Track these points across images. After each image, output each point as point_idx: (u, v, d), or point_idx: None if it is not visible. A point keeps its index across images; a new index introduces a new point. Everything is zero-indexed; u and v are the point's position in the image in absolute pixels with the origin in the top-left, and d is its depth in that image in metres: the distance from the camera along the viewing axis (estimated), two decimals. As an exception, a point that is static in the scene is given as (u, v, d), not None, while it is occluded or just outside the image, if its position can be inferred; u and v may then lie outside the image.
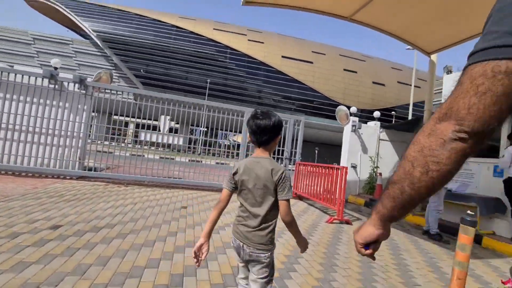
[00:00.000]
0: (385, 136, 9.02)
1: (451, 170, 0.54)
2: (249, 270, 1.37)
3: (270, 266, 1.32)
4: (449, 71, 9.49)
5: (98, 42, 41.76)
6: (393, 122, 30.38)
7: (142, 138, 7.39)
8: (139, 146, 7.36)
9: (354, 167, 8.50)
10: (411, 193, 0.59)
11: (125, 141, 7.53)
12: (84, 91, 6.46)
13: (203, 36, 44.84)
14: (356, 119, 8.62)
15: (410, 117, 21.63)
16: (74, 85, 6.41)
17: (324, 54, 48.30)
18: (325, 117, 39.32)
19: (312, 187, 6.35)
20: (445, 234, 4.60)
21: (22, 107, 6.11)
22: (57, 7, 43.62)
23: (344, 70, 47.64)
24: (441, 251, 3.87)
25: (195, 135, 28.59)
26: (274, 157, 7.50)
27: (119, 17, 44.22)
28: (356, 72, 48.04)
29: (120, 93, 6.95)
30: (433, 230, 4.41)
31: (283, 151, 7.58)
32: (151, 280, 2.10)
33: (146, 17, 45.07)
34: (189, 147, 7.96)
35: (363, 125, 8.74)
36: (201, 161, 8.90)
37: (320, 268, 2.75)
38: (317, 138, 37.37)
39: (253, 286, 1.32)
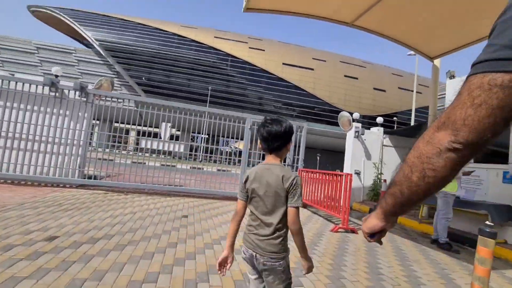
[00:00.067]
0: (389, 142, 8.91)
1: (446, 177, 0.57)
2: (261, 282, 1.34)
3: (286, 271, 1.30)
4: (452, 76, 9.40)
5: (101, 51, 42.26)
6: (395, 128, 30.25)
7: (143, 145, 7.31)
8: (140, 154, 7.27)
9: (357, 173, 8.37)
10: (410, 195, 0.63)
11: (126, 149, 7.45)
12: (85, 99, 6.42)
13: (205, 44, 45.31)
14: (359, 125, 8.53)
15: (412, 123, 21.50)
16: (75, 93, 6.38)
17: (325, 61, 48.58)
18: (326, 123, 39.30)
19: (316, 194, 6.22)
20: (454, 243, 4.44)
21: (22, 115, 6.06)
22: (61, 17, 44.34)
23: (345, 76, 47.83)
24: (452, 262, 3.71)
25: (197, 142, 28.55)
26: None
27: (122, 26, 44.85)
28: (357, 78, 48.20)
29: (121, 100, 6.91)
30: (442, 239, 4.26)
31: (285, 158, 7.46)
32: (149, 296, 1.98)
33: (148, 26, 45.68)
34: (190, 154, 7.87)
35: (366, 131, 8.64)
36: (203, 168, 8.80)
37: (327, 281, 2.61)
38: (318, 144, 37.23)
39: None
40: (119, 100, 6.81)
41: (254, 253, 1.28)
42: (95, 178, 6.55)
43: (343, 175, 5.12)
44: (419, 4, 5.35)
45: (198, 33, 46.50)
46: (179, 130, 8.17)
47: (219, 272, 1.35)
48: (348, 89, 47.18)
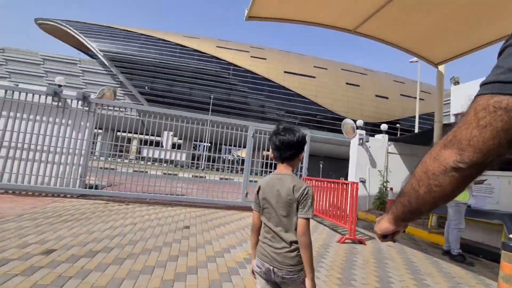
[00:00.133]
0: (394, 149, 8.77)
1: (452, 193, 0.58)
2: None
3: (305, 281, 1.26)
4: (456, 82, 9.34)
5: (105, 61, 42.91)
6: (398, 135, 30.05)
7: (145, 154, 7.24)
8: (142, 163, 7.20)
9: (363, 181, 8.21)
10: (417, 206, 0.65)
11: (128, 158, 7.39)
12: (87, 108, 6.41)
13: (207, 54, 45.85)
14: (363, 132, 8.42)
15: (416, 130, 21.33)
16: (78, 102, 6.37)
17: (326, 69, 48.85)
18: (328, 130, 39.18)
19: (320, 204, 6.07)
20: (467, 255, 4.26)
21: (25, 125, 6.04)
22: (67, 29, 45.26)
23: (347, 84, 47.96)
24: (467, 275, 3.53)
25: (199, 150, 28.52)
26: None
27: (125, 37, 45.63)
28: (358, 85, 48.31)
29: (123, 109, 6.89)
30: (455, 251, 4.08)
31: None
32: (148, 316, 1.86)
33: (151, 36, 46.42)
34: (192, 163, 7.79)
35: (370, 138, 8.53)
36: (205, 177, 8.70)
37: (337, 298, 2.47)
38: (321, 152, 37.05)
39: None
40: (121, 109, 6.79)
41: (271, 267, 1.23)
42: (96, 187, 6.47)
43: (348, 184, 4.99)
44: (423, 10, 5.31)
45: (200, 43, 47.13)
46: (181, 139, 8.11)
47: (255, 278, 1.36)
48: (350, 96, 47.23)
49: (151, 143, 7.20)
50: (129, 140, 7.29)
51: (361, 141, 8.30)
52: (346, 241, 4.55)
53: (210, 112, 36.16)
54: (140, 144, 7.46)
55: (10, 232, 3.23)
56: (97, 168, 6.54)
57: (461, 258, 4.03)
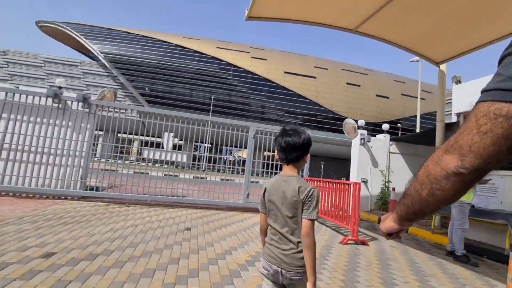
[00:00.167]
0: (396, 149, 8.72)
1: (454, 196, 0.60)
2: None
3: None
4: (458, 81, 9.28)
5: (106, 63, 43.01)
6: (399, 134, 29.96)
7: (145, 155, 7.22)
8: (143, 164, 7.17)
9: (364, 182, 8.16)
10: (420, 207, 0.67)
11: (129, 159, 7.37)
12: (87, 110, 6.39)
13: (207, 55, 45.89)
14: (365, 132, 8.38)
15: (418, 129, 21.25)
16: (78, 104, 6.36)
17: (327, 69, 48.82)
18: (329, 130, 39.12)
19: (322, 204, 6.03)
20: (471, 255, 4.21)
21: (25, 127, 6.03)
22: (68, 31, 45.40)
23: (347, 84, 47.91)
24: (472, 276, 3.49)
25: (199, 151, 28.53)
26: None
27: (126, 38, 45.72)
28: (359, 85, 48.26)
29: (124, 110, 6.86)
30: (459, 251, 4.03)
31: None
32: (148, 321, 1.83)
33: (152, 38, 46.51)
34: (193, 164, 7.76)
35: (372, 138, 8.48)
36: (206, 178, 8.67)
37: (341, 300, 2.43)
38: (322, 152, 36.98)
39: None
40: (121, 111, 6.77)
41: (279, 269, 1.23)
42: (97, 189, 6.45)
43: (351, 184, 4.95)
44: (424, 9, 5.28)
45: (201, 44, 47.18)
46: (182, 140, 8.09)
47: None
48: (351, 96, 47.18)
49: (151, 145, 7.17)
50: (130, 142, 7.26)
51: (362, 141, 8.26)
52: (349, 242, 4.50)
53: (210, 113, 36.14)
54: (141, 145, 7.43)
55: (10, 235, 3.21)
56: (97, 170, 6.52)
57: (465, 258, 3.99)
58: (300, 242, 1.23)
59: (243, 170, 7.28)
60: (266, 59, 47.43)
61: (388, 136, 8.79)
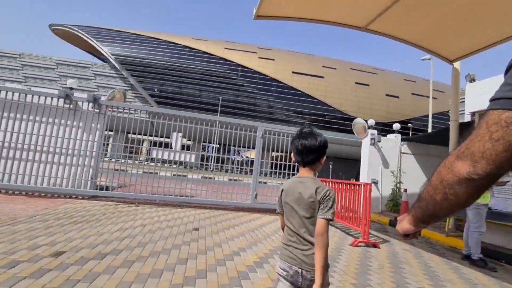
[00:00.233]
0: (407, 149, 8.52)
1: (466, 201, 0.61)
2: None
3: (327, 283, 1.28)
4: (472, 80, 9.00)
5: (116, 64, 43.77)
6: (410, 134, 29.35)
7: (154, 155, 7.26)
8: (152, 164, 7.22)
9: (375, 182, 8.00)
10: (435, 210, 0.68)
11: (139, 159, 7.43)
12: (97, 110, 6.47)
13: (215, 56, 46.13)
14: (375, 131, 8.21)
15: (430, 129, 20.77)
16: (88, 104, 6.45)
17: (335, 69, 48.36)
18: (337, 130, 38.72)
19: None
20: (488, 259, 4.04)
21: (37, 127, 6.15)
22: (79, 34, 46.41)
23: (356, 83, 47.34)
24: (490, 282, 3.34)
25: (208, 151, 28.65)
26: (289, 174, 7.17)
27: (135, 40, 46.43)
28: (368, 85, 47.61)
29: (133, 111, 6.92)
30: (476, 255, 3.88)
31: (298, 167, 7.22)
32: (156, 323, 1.80)
33: (161, 39, 47.06)
34: (201, 164, 7.76)
35: (382, 138, 8.30)
36: (214, 178, 8.67)
37: (352, 305, 2.35)
38: (330, 152, 36.59)
39: None
40: (131, 111, 6.83)
41: (299, 270, 1.23)
42: (107, 189, 6.52)
43: (361, 185, 4.84)
44: (437, 5, 5.12)
45: (209, 45, 47.46)
46: (190, 140, 8.11)
47: None
48: (360, 96, 46.59)
49: (160, 145, 7.21)
50: (140, 142, 7.32)
51: (373, 141, 8.10)
52: (359, 244, 4.40)
53: (218, 114, 36.30)
54: (150, 145, 7.48)
55: (21, 234, 3.25)
56: (107, 169, 6.59)
57: (482, 263, 3.83)
58: None
59: (251, 171, 7.24)
60: (274, 59, 47.34)
61: (399, 136, 8.59)
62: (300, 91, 45.73)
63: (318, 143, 1.30)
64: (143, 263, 2.75)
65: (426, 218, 0.73)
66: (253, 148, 7.19)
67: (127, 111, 6.75)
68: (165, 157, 7.25)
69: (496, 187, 4.95)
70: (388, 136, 8.74)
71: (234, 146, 7.32)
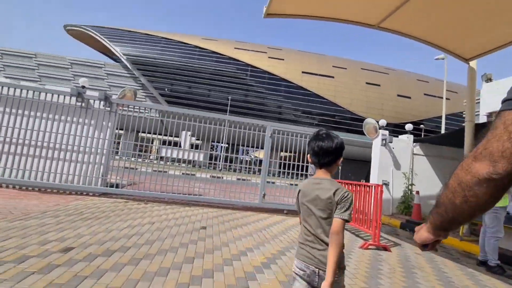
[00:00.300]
0: (420, 150, 8.30)
1: (488, 201, 0.60)
2: None
3: (343, 284, 1.29)
4: (488, 79, 8.70)
5: (128, 64, 44.50)
6: (423, 135, 28.70)
7: (163, 154, 7.31)
8: (162, 162, 7.28)
9: (386, 184, 7.82)
10: (454, 215, 0.67)
11: (149, 158, 7.50)
12: (109, 108, 6.56)
13: (225, 55, 46.27)
14: (386, 132, 8.04)
15: (443, 130, 20.24)
16: (100, 103, 6.54)
17: (345, 69, 47.74)
18: (347, 131, 38.21)
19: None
20: (506, 266, 3.87)
21: (50, 125, 6.28)
22: (92, 34, 47.42)
23: (367, 83, 46.59)
24: (509, 290, 3.19)
25: (216, 150, 28.78)
26: (298, 174, 7.09)
27: (147, 40, 47.06)
28: (379, 85, 46.79)
29: (143, 109, 6.99)
30: (493, 262, 3.71)
31: (307, 167, 7.14)
32: (161, 322, 1.78)
33: (171, 39, 47.56)
34: (210, 163, 7.77)
35: (394, 138, 8.12)
36: (222, 177, 8.66)
37: (362, 310, 2.27)
38: (340, 153, 36.10)
39: None
40: (141, 110, 6.90)
41: (317, 269, 1.24)
42: (117, 186, 6.60)
43: (372, 186, 4.72)
44: (452, 2, 4.94)
45: (219, 45, 47.66)
46: (199, 139, 8.13)
47: None
48: (370, 96, 45.84)
49: (170, 143, 7.26)
50: (150, 141, 7.39)
51: (384, 141, 7.92)
52: (370, 247, 4.29)
53: (227, 113, 36.38)
54: (160, 144, 7.54)
55: (32, 229, 3.31)
56: (117, 167, 6.67)
57: (500, 270, 3.67)
58: None
59: (259, 170, 7.19)
60: (283, 59, 47.12)
61: (411, 137, 8.38)
62: (309, 91, 45.36)
63: (335, 145, 1.32)
64: (150, 261, 2.75)
65: (446, 224, 0.71)
66: (262, 148, 7.15)
67: (138, 109, 6.82)
68: (174, 155, 7.28)
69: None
70: (400, 137, 8.53)
71: (243, 145, 7.29)
